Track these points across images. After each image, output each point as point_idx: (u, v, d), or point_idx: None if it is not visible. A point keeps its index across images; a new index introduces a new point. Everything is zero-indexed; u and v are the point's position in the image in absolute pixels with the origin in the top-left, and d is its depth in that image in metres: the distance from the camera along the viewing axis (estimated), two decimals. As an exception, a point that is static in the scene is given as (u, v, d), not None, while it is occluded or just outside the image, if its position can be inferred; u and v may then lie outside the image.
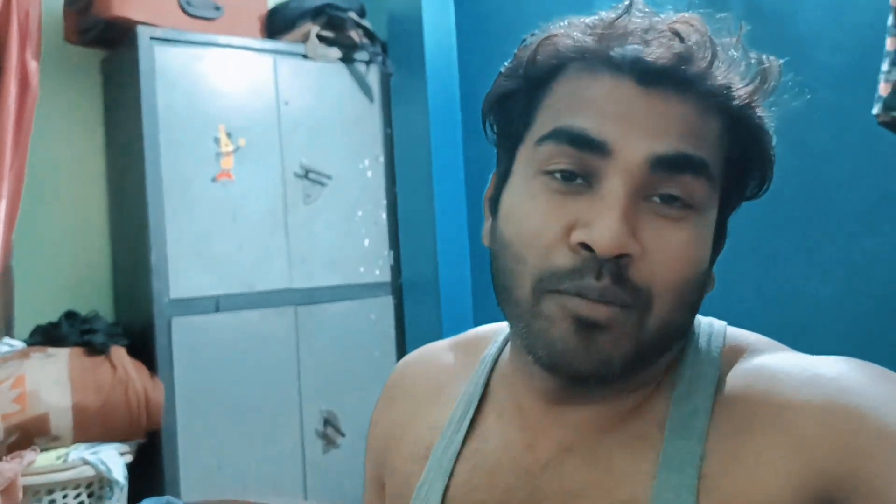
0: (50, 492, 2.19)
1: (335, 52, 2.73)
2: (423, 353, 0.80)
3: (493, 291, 0.60)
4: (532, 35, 0.60)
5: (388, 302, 2.84)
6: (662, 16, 0.57)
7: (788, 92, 0.59)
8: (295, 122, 2.66)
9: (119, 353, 2.40)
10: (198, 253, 2.45)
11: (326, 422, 2.64)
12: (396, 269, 2.88)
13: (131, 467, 2.31)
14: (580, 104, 0.55)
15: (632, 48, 0.55)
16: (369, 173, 2.84)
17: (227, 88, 2.54)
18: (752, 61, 0.58)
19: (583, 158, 0.54)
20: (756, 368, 0.57)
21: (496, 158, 0.65)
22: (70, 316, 2.56)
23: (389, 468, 0.74)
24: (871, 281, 1.75)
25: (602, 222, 0.52)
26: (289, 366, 2.60)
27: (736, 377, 0.58)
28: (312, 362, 2.63)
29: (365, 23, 2.81)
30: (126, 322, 2.61)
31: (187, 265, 2.44)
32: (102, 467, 2.21)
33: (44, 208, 2.65)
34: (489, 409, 0.67)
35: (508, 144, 0.62)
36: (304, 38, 2.70)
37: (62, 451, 2.24)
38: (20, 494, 2.14)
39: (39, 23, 2.39)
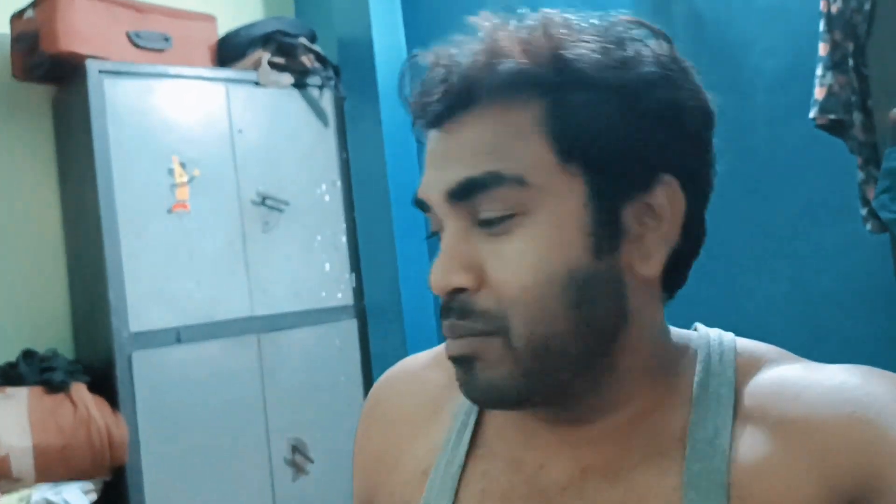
0: (13, 536, 2.15)
1: (287, 78, 2.75)
2: (406, 370, 0.77)
3: None
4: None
5: (351, 325, 2.84)
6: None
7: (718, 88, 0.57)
8: (250, 149, 2.66)
9: (80, 390, 2.37)
10: (156, 285, 2.43)
11: (295, 449, 2.61)
12: (359, 292, 2.88)
13: (96, 506, 2.27)
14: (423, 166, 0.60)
15: (424, 102, 0.58)
16: (327, 198, 2.84)
17: (180, 119, 2.53)
18: (600, 26, 0.55)
19: (432, 215, 0.60)
20: (775, 381, 0.57)
21: None
22: (28, 355, 2.51)
23: (385, 492, 0.71)
24: (818, 276, 1.80)
25: (432, 269, 0.56)
26: (254, 394, 2.58)
27: (755, 391, 0.57)
28: (277, 390, 2.62)
29: (316, 48, 2.83)
30: (86, 359, 2.58)
31: (146, 298, 2.42)
32: (66, 507, 2.17)
33: (-3, 248, 2.62)
34: (488, 424, 0.66)
35: None
36: (256, 66, 2.71)
37: (24, 492, 2.20)
38: (-17, 540, 2.09)
39: (-14, 61, 2.37)
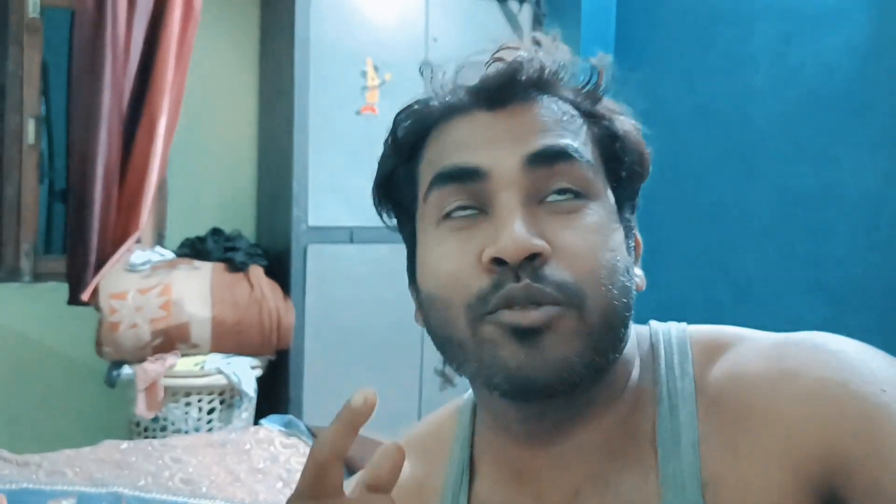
0: (187, 394, 2.35)
1: (489, -11, 2.67)
2: None
3: (440, 353, 0.62)
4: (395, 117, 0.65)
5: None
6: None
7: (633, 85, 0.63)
8: (442, 58, 2.60)
9: (257, 272, 2.52)
10: (336, 184, 2.51)
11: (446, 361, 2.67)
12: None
13: (260, 382, 2.44)
14: (449, 148, 0.59)
15: (470, 86, 0.59)
16: (512, 116, 2.79)
17: (378, 21, 2.54)
18: (586, 63, 0.62)
19: (469, 190, 0.57)
20: (731, 368, 0.58)
21: (404, 241, 0.67)
22: (216, 232, 2.70)
23: None
24: None
25: (503, 232, 0.53)
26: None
27: (714, 381, 0.59)
28: (438, 301, 2.66)
29: (522, -41, 2.73)
30: (265, 244, 2.73)
31: (326, 195, 2.50)
32: (234, 378, 2.35)
33: (199, 128, 2.78)
34: (480, 484, 0.65)
35: (406, 218, 0.65)
36: (459, -27, 2.65)
37: (200, 358, 2.39)
38: (161, 394, 2.30)
39: (206, -54, 2.46)
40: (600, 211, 0.57)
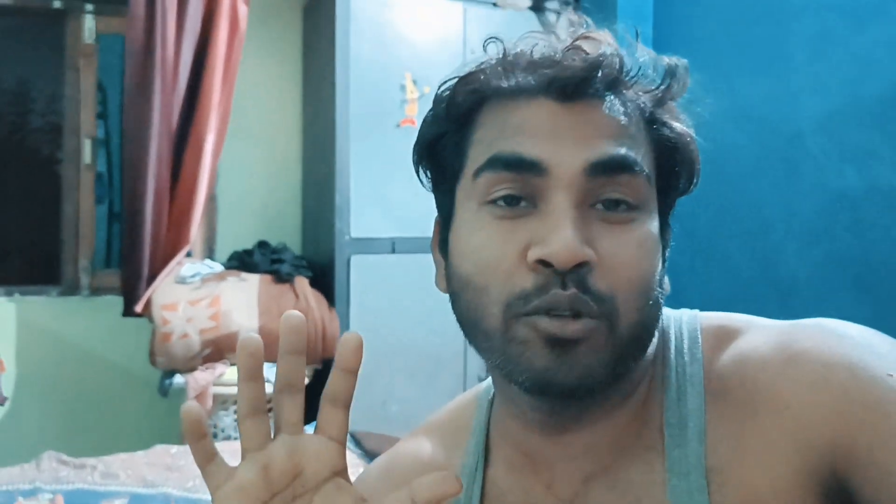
0: (236, 403, 2.41)
1: (525, 0, 2.70)
2: (400, 458, 0.73)
3: (462, 330, 0.62)
4: (448, 80, 0.63)
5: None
6: (564, 37, 0.60)
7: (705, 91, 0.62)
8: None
9: (302, 283, 2.58)
10: (378, 196, 2.55)
11: (489, 368, 2.69)
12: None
13: (307, 391, 2.48)
14: (509, 131, 0.57)
15: (543, 71, 0.57)
16: (551, 126, 2.81)
17: (416, 36, 2.59)
18: (661, 64, 0.60)
19: (522, 181, 0.56)
20: (738, 357, 0.59)
21: (436, 204, 0.66)
22: (262, 245, 2.77)
23: None
24: None
25: (555, 236, 0.53)
26: (457, 311, 2.66)
27: (722, 368, 0.59)
28: (480, 310, 2.68)
29: (558, -29, 2.75)
30: (310, 255, 2.79)
31: (368, 207, 2.55)
32: (281, 387, 2.40)
33: (246, 144, 2.86)
34: (495, 469, 0.67)
35: (446, 187, 0.63)
36: (496, -14, 2.69)
37: (248, 368, 2.45)
38: (210, 402, 2.37)
39: (250, -32, 2.55)
40: (647, 224, 0.57)
